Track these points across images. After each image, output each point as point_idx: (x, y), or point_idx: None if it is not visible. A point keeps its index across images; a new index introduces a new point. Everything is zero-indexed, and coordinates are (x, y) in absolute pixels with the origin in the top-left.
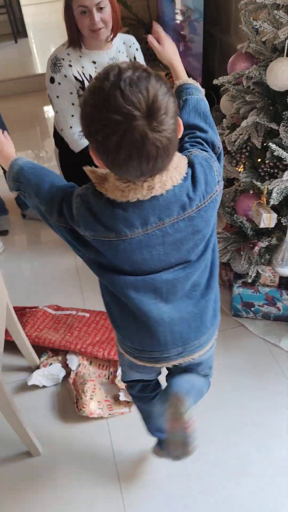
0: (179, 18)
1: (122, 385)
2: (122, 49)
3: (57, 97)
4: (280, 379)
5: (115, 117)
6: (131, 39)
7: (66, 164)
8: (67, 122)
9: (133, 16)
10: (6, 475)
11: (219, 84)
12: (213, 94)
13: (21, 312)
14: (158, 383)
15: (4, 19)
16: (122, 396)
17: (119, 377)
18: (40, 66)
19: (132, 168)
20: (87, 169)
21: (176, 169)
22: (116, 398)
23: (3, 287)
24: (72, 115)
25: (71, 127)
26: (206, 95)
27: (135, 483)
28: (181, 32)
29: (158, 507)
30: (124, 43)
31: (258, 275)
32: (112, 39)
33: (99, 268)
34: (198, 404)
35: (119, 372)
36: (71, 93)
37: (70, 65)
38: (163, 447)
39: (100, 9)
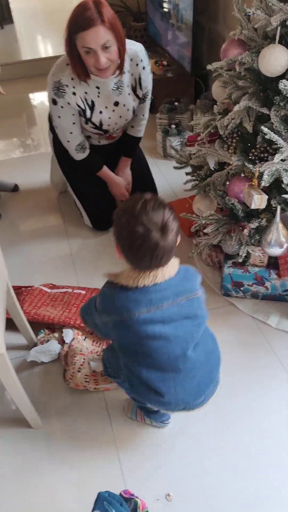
0: (167, 6)
1: None
2: (128, 67)
3: (59, 117)
4: (269, 354)
5: (140, 228)
6: (139, 54)
7: (60, 149)
8: (65, 137)
9: (122, 4)
10: (7, 445)
11: (212, 70)
12: (201, 83)
13: (17, 291)
14: None
15: None
16: None
17: None
18: (27, 53)
19: (144, 263)
20: (106, 274)
21: (172, 267)
22: (103, 375)
23: (4, 266)
24: (71, 132)
25: (68, 141)
26: (194, 83)
27: (132, 449)
28: (169, 21)
29: (155, 469)
30: (131, 60)
31: (248, 255)
32: (121, 72)
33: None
34: None
35: None
36: (73, 114)
37: (74, 93)
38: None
39: (105, 48)
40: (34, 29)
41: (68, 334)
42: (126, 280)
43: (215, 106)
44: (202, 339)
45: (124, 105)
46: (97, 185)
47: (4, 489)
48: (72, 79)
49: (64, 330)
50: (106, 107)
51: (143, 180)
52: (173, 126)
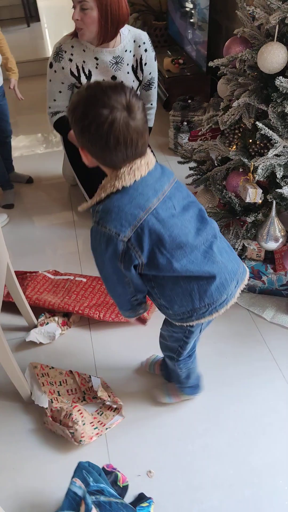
0: (189, 5)
1: (106, 396)
2: (130, 47)
3: (50, 80)
4: (261, 346)
5: (103, 111)
6: (143, 37)
7: (70, 148)
8: (48, 102)
9: (143, 3)
10: (1, 417)
11: (213, 67)
12: (217, 81)
13: (22, 276)
14: None
15: (17, 2)
16: (112, 404)
17: (99, 390)
18: (51, 50)
19: (120, 153)
20: (82, 206)
21: (150, 153)
22: (100, 413)
23: (5, 249)
24: (54, 100)
25: (49, 107)
26: (210, 81)
27: (119, 426)
28: (188, 20)
29: (140, 446)
30: (134, 41)
31: (244, 249)
32: (101, 44)
33: (154, 265)
34: None
35: (96, 385)
36: (62, 83)
37: (71, 60)
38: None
39: (82, 9)
40: (60, 26)
41: (41, 399)
42: (119, 181)
43: (221, 103)
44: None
45: (122, 82)
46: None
47: None
48: (72, 47)
49: (34, 397)
50: (103, 80)
51: None
52: (185, 123)
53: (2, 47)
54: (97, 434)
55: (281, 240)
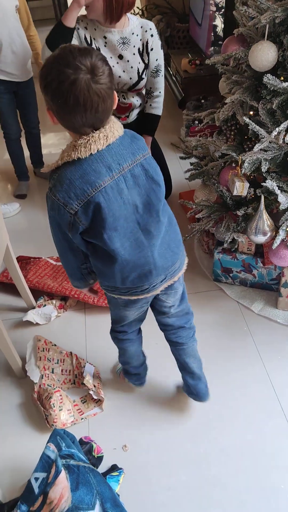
0: (212, 8)
1: (90, 385)
2: (138, 32)
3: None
4: (246, 336)
5: (67, 70)
6: (149, 24)
7: None
8: None
9: (167, 5)
10: None
11: (210, 64)
12: None
13: (26, 261)
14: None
15: (48, 3)
16: (94, 395)
17: (86, 378)
18: None
19: (79, 115)
20: (42, 169)
21: (116, 123)
22: (83, 401)
23: (5, 231)
24: None
25: None
26: None
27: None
28: (213, 23)
29: (118, 422)
30: (141, 27)
31: (235, 242)
32: (109, 24)
33: (92, 236)
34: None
35: (85, 373)
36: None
37: (86, 28)
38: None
39: None
40: None
41: (34, 373)
42: (74, 153)
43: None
44: (165, 209)
45: (128, 61)
46: None
47: None
48: (87, 23)
49: (27, 367)
50: (111, 57)
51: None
52: (196, 122)
53: (35, 43)
54: (72, 422)
55: (269, 234)
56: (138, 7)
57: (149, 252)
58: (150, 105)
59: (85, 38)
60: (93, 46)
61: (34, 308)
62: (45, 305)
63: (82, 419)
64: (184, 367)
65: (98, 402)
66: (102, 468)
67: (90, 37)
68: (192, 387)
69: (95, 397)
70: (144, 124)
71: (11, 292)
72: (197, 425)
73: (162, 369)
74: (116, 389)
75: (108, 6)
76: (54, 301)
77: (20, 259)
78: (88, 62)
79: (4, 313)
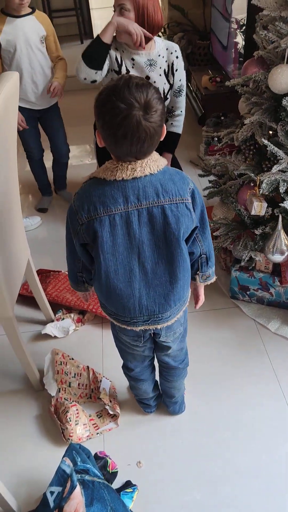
0: (233, 26)
1: (107, 400)
2: (163, 54)
3: None
4: (262, 354)
5: (121, 105)
6: (174, 47)
7: (100, 153)
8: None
9: (189, 23)
10: (13, 400)
11: (230, 86)
12: None
13: (46, 274)
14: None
15: (73, 21)
16: (110, 410)
17: (103, 392)
18: None
19: (124, 146)
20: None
21: (155, 162)
22: (99, 416)
23: (27, 246)
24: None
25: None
26: None
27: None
28: (234, 40)
29: (133, 438)
30: (167, 49)
31: (252, 260)
32: (137, 46)
33: (95, 251)
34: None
35: (102, 387)
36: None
37: (116, 49)
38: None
39: (121, 10)
40: None
41: (52, 386)
42: (103, 173)
43: (239, 120)
44: (182, 255)
45: (155, 82)
46: None
47: (5, 434)
48: (118, 43)
49: (45, 380)
50: None
51: None
52: (216, 138)
53: (59, 68)
54: (88, 436)
55: (286, 253)
56: None
57: (138, 286)
58: (172, 123)
59: (116, 58)
60: (123, 66)
61: (52, 321)
62: (63, 319)
63: (97, 434)
64: (165, 391)
65: (114, 417)
66: (116, 484)
67: (121, 58)
68: (166, 403)
69: (111, 412)
70: (165, 142)
71: (31, 305)
72: (213, 444)
73: None
74: (131, 405)
75: (148, 30)
76: (72, 315)
77: (40, 272)
78: (143, 98)
79: (23, 326)
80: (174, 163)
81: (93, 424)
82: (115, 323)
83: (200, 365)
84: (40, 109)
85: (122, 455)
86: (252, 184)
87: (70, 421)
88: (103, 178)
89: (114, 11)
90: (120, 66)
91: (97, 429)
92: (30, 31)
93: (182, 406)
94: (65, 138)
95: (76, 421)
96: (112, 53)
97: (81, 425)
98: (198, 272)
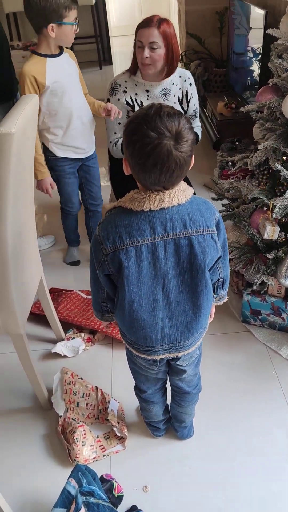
0: (250, 55)
1: (114, 422)
2: (177, 81)
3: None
4: (273, 380)
5: (152, 134)
6: (187, 74)
7: (114, 175)
8: (110, 137)
9: (206, 51)
10: (20, 419)
11: (244, 112)
12: None
13: (58, 293)
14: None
15: (93, 47)
16: (117, 432)
17: (111, 414)
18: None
19: (153, 175)
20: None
21: (183, 192)
22: (106, 437)
23: (40, 265)
24: (115, 132)
25: (111, 142)
26: None
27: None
28: (250, 68)
29: (140, 462)
30: (180, 76)
31: (264, 284)
32: (167, 76)
33: (120, 281)
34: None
35: (110, 409)
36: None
37: (125, 91)
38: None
39: (152, 48)
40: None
41: (60, 405)
42: (130, 203)
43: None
44: (206, 285)
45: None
46: None
47: (11, 452)
48: (125, 81)
49: (53, 400)
50: None
51: None
52: (230, 163)
53: (90, 100)
54: (94, 458)
55: None
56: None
57: (161, 316)
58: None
59: (127, 103)
60: (135, 105)
61: (63, 340)
62: (73, 338)
63: (104, 456)
64: (175, 416)
65: (121, 439)
66: (121, 508)
67: (131, 97)
68: (175, 427)
69: (118, 434)
70: None
71: (42, 323)
72: (221, 471)
73: None
74: (139, 428)
75: (168, 63)
76: (82, 334)
77: (52, 291)
78: (174, 128)
79: (34, 344)
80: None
81: (100, 446)
82: (133, 352)
83: (209, 389)
84: (85, 157)
85: (128, 478)
86: (265, 208)
87: (77, 441)
88: (129, 209)
89: (140, 47)
90: (132, 103)
91: (104, 451)
92: (70, 69)
93: (190, 431)
94: (99, 183)
95: (83, 442)
96: (122, 100)
97: (88, 446)
98: (213, 294)
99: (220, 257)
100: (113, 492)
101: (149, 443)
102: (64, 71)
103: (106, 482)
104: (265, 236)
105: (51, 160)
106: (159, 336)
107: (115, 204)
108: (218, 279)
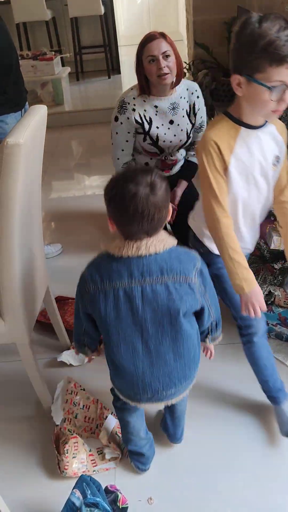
0: None
1: (105, 442)
2: (185, 95)
3: (116, 133)
4: None
5: (129, 185)
6: (195, 86)
7: None
8: (116, 154)
9: (213, 60)
10: (25, 429)
11: None
12: None
13: (64, 302)
14: None
15: (101, 57)
16: (108, 454)
17: (103, 433)
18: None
19: (136, 223)
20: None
21: (161, 241)
22: (99, 452)
23: (46, 274)
24: (122, 150)
25: (118, 159)
26: None
27: None
28: None
29: (145, 474)
30: (187, 89)
31: (271, 295)
32: (175, 85)
33: (99, 324)
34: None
35: (104, 426)
36: (128, 132)
37: (134, 109)
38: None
39: (166, 57)
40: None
41: (58, 415)
42: (113, 249)
43: None
44: (185, 332)
45: (178, 124)
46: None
47: (15, 460)
48: (133, 98)
49: (52, 409)
50: (162, 125)
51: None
52: None
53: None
54: (84, 472)
55: None
56: (185, 62)
57: (141, 365)
58: (193, 154)
59: (136, 121)
60: (144, 122)
61: (68, 348)
62: None
63: (94, 471)
64: (169, 407)
65: (114, 457)
66: None
67: (139, 114)
68: (168, 427)
69: (107, 457)
70: (183, 170)
71: (48, 332)
72: (227, 483)
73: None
74: None
75: (178, 71)
76: None
77: (58, 299)
78: (149, 179)
79: (39, 352)
80: (191, 190)
81: (91, 460)
82: (120, 396)
83: (214, 402)
84: None
85: (133, 490)
86: (272, 218)
87: (67, 453)
88: (112, 254)
89: (152, 61)
90: (142, 121)
91: (95, 466)
92: (267, 149)
93: (183, 433)
94: None
95: (74, 454)
96: (131, 119)
97: (78, 459)
98: (208, 336)
99: (202, 308)
100: (118, 504)
101: (155, 457)
102: (259, 151)
103: (111, 493)
104: (272, 246)
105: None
106: (139, 384)
107: (104, 248)
108: (211, 323)
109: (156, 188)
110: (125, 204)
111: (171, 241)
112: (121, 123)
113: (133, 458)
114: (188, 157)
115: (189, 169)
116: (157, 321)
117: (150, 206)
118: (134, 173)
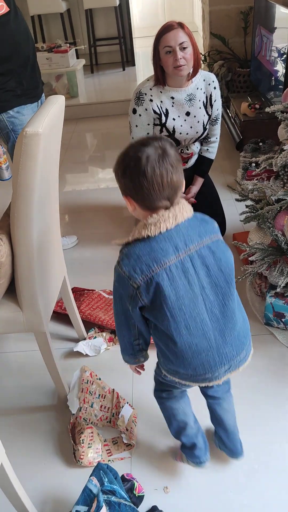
0: (274, 55)
1: (123, 428)
2: (201, 86)
3: (136, 126)
4: None
5: (142, 147)
6: (212, 77)
7: None
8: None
9: (230, 51)
10: (43, 418)
11: (269, 112)
12: None
13: (80, 293)
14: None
15: (116, 49)
16: (125, 439)
17: (121, 419)
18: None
19: (156, 189)
20: (116, 241)
21: (187, 206)
22: (114, 442)
23: (64, 265)
24: None
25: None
26: None
27: (145, 441)
28: (274, 68)
29: (160, 463)
30: (204, 80)
31: None
32: (192, 77)
33: (154, 315)
34: None
35: (121, 414)
36: (148, 124)
37: (151, 100)
38: (187, 453)
39: (183, 48)
40: (151, 71)
41: (74, 404)
42: (145, 231)
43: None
44: (235, 297)
45: (195, 116)
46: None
47: (33, 448)
48: (150, 89)
49: (68, 397)
50: (179, 116)
51: (212, 209)
52: (253, 164)
53: None
54: (99, 461)
55: None
56: (201, 53)
57: (213, 336)
58: (207, 149)
59: (154, 112)
60: (162, 112)
61: (85, 339)
62: (95, 337)
63: (109, 460)
64: (218, 422)
65: (128, 446)
66: (142, 508)
67: (157, 105)
68: (225, 442)
69: (125, 442)
70: (197, 166)
71: (64, 322)
72: (242, 475)
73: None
74: (160, 428)
75: (195, 62)
76: (104, 334)
77: (74, 290)
78: (157, 143)
79: (56, 342)
80: (209, 185)
81: (106, 450)
82: (192, 385)
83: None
84: None
85: (149, 479)
86: None
87: (83, 443)
88: (146, 236)
89: (169, 52)
90: (160, 111)
91: (110, 455)
92: None
93: (241, 444)
94: None
95: (89, 444)
96: (150, 109)
97: (94, 449)
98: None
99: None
100: (134, 492)
101: (170, 444)
102: None
103: (127, 482)
104: None
105: None
106: (216, 358)
107: (127, 239)
108: None
109: (167, 148)
110: (142, 169)
111: (189, 205)
112: (140, 115)
113: (187, 453)
114: (201, 152)
115: (203, 165)
116: (214, 285)
117: (167, 165)
118: (142, 141)
